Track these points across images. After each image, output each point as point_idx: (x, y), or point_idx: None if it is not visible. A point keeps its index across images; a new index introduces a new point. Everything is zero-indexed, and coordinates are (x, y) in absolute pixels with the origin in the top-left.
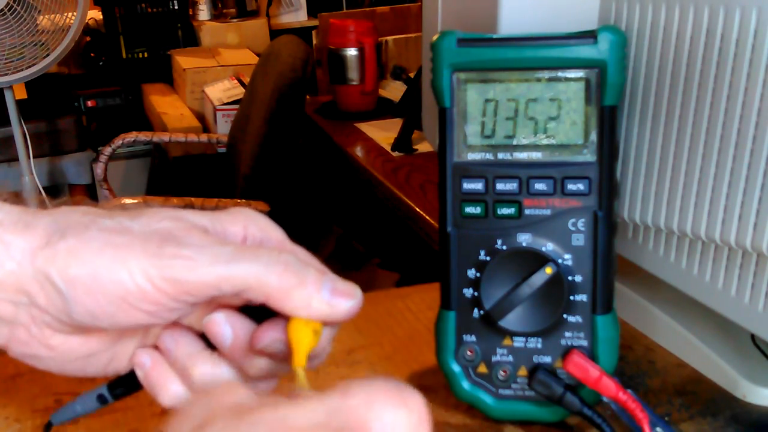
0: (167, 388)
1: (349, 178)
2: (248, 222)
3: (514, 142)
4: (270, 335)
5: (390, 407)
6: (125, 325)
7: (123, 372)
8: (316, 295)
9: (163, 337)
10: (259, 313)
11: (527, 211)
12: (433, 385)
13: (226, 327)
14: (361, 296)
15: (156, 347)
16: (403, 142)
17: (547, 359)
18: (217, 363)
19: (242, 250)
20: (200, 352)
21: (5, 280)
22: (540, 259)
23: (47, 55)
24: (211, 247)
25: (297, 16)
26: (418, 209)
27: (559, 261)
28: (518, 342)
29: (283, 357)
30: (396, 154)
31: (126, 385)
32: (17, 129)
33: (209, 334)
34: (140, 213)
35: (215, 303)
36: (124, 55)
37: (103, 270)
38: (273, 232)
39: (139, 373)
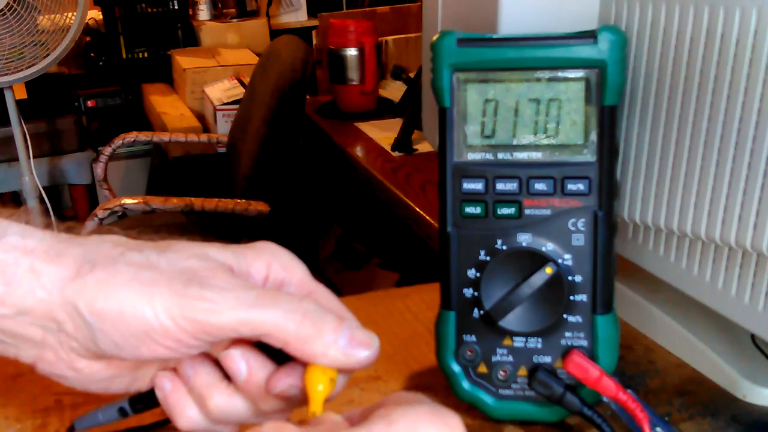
0: (185, 413)
1: (349, 178)
2: (272, 259)
3: (514, 142)
4: (286, 381)
5: (434, 431)
6: (147, 357)
7: (144, 390)
8: (333, 345)
9: (183, 364)
10: (275, 349)
11: (527, 211)
12: (433, 385)
13: (242, 363)
14: (378, 345)
15: (175, 370)
16: (403, 142)
17: (547, 359)
18: (232, 395)
19: (263, 297)
20: (217, 383)
21: (35, 307)
22: (540, 259)
23: (47, 55)
24: (233, 290)
25: (297, 16)
26: (418, 209)
27: (559, 261)
28: (518, 342)
29: (297, 400)
30: (396, 154)
31: (146, 401)
32: (17, 129)
33: (225, 368)
34: (168, 247)
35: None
36: (124, 55)
37: (128, 305)
38: (296, 270)
39: (159, 394)
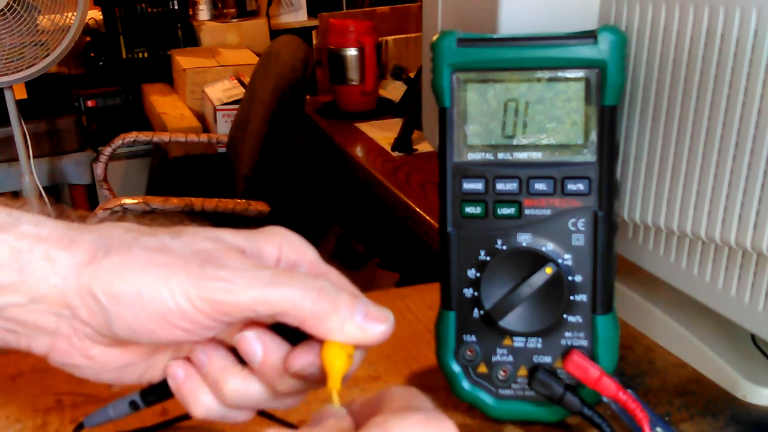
0: (199, 400)
1: (349, 178)
2: (283, 242)
3: (514, 142)
4: (304, 359)
5: None
6: (164, 341)
7: (156, 380)
8: (350, 321)
9: (196, 351)
10: (289, 330)
11: (527, 211)
12: (433, 385)
13: (257, 345)
14: (393, 320)
15: (188, 359)
16: (403, 142)
17: (547, 359)
18: (248, 378)
19: (279, 275)
20: (231, 367)
21: (49, 293)
22: (540, 259)
23: (47, 55)
24: (249, 270)
25: (297, 16)
26: (418, 209)
27: (559, 261)
28: (518, 342)
29: (315, 379)
30: (396, 154)
31: (158, 393)
32: (17, 129)
33: (240, 351)
34: (181, 232)
35: (248, 320)
36: (124, 55)
37: (145, 288)
38: (306, 252)
39: (172, 384)
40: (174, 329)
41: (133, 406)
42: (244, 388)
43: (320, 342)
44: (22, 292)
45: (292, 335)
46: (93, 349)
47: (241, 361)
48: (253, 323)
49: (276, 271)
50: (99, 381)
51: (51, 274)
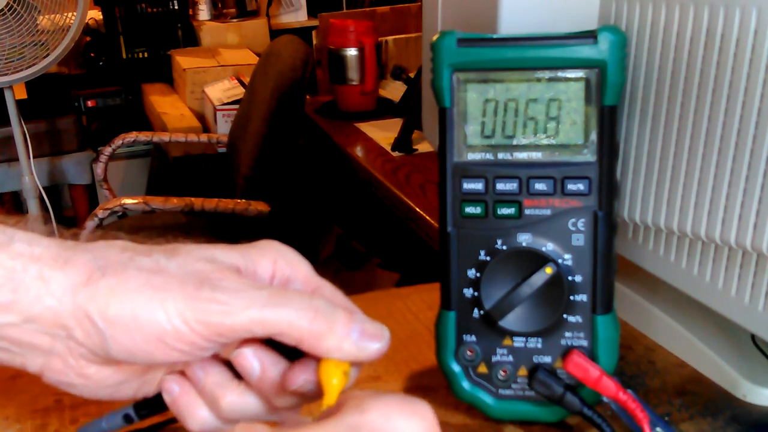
0: (196, 414)
1: (349, 178)
2: (277, 257)
3: (514, 142)
4: (302, 377)
5: (405, 418)
6: (160, 362)
7: (152, 395)
8: (346, 339)
9: (193, 366)
10: (285, 346)
11: (527, 211)
12: (433, 385)
13: (255, 361)
14: (388, 337)
15: (183, 373)
16: (403, 142)
17: (547, 359)
18: (244, 393)
19: (275, 295)
20: (228, 383)
21: (44, 314)
22: (540, 259)
23: (47, 55)
24: (245, 290)
25: (297, 16)
26: (418, 209)
27: (559, 261)
28: (518, 342)
29: (312, 395)
30: (396, 154)
31: (152, 407)
32: (17, 129)
33: (238, 367)
34: (176, 251)
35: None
36: (124, 55)
37: (141, 310)
38: (300, 266)
39: (167, 398)
40: (171, 351)
41: (127, 419)
42: (241, 402)
43: (317, 359)
44: (16, 311)
45: (288, 349)
46: (88, 368)
47: (237, 375)
48: (249, 339)
49: (272, 291)
50: (94, 398)
51: (45, 294)
